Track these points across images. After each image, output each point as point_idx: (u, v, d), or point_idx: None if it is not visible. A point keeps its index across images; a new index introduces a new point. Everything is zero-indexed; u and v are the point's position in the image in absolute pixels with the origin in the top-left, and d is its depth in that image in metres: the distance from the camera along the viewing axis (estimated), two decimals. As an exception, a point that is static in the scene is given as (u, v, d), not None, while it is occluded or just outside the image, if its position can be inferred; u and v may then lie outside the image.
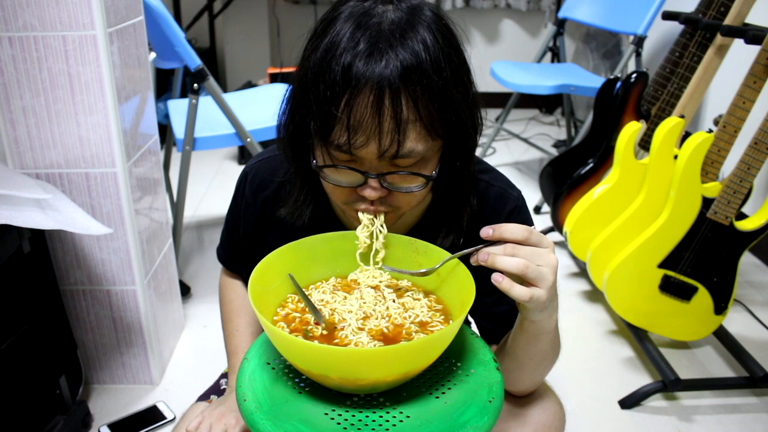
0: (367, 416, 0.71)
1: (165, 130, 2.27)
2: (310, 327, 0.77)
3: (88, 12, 1.30)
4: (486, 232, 0.73)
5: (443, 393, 0.75)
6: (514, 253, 0.71)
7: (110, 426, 1.54)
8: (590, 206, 1.88)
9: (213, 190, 2.94)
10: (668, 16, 2.00)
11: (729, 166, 1.60)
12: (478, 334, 0.86)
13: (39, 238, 1.39)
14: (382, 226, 0.82)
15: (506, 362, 0.86)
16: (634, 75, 1.93)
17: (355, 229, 0.83)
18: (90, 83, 1.36)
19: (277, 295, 0.82)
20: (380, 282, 0.84)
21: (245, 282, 1.09)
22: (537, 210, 2.71)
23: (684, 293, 1.68)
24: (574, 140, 2.77)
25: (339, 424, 0.70)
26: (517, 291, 0.71)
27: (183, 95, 2.46)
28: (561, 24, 2.99)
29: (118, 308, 1.58)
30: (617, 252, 1.74)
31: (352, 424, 0.70)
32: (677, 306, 1.70)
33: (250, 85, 3.44)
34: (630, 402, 1.64)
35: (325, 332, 0.76)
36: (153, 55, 2.14)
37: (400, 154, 0.73)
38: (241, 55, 3.85)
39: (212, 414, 0.90)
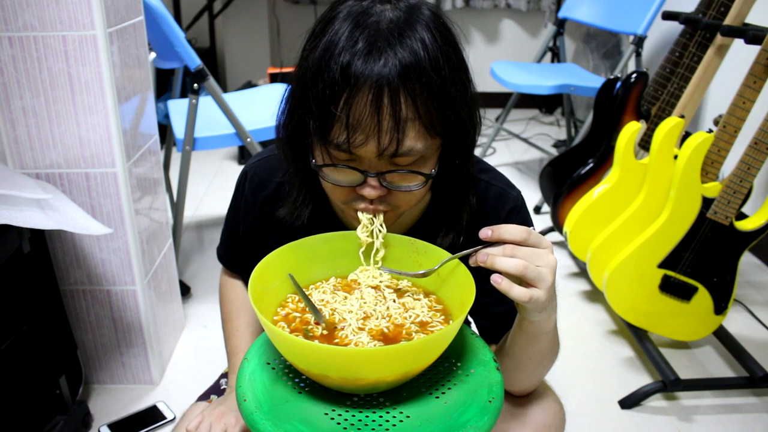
0: (367, 416, 0.71)
1: (165, 130, 2.27)
2: (310, 327, 0.77)
3: (88, 12, 1.30)
4: (485, 233, 0.73)
5: (443, 393, 0.75)
6: (513, 254, 0.71)
7: (110, 426, 1.54)
8: (590, 206, 1.88)
9: (213, 190, 2.94)
10: (668, 16, 2.00)
11: (729, 166, 1.60)
12: (478, 334, 0.86)
13: (39, 238, 1.39)
14: (381, 225, 0.82)
15: (505, 362, 0.86)
16: (634, 75, 1.93)
17: (354, 228, 0.83)
18: (90, 83, 1.36)
19: (278, 295, 0.82)
20: (380, 282, 0.84)
21: (245, 282, 1.09)
22: (537, 210, 2.71)
23: (684, 293, 1.68)
24: (574, 140, 2.77)
25: (339, 424, 0.70)
26: (516, 292, 0.71)
27: (183, 95, 2.46)
28: (561, 24, 2.99)
29: (118, 308, 1.58)
30: (617, 252, 1.74)
31: (352, 424, 0.70)
32: (677, 306, 1.70)
33: (250, 85, 3.44)
34: (630, 402, 1.64)
35: (325, 332, 0.76)
36: (153, 55, 2.14)
37: (399, 153, 0.73)
38: (241, 55, 3.85)
39: (212, 413, 0.90)
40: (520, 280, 0.72)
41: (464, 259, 0.76)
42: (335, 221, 0.93)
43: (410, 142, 0.73)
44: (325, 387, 0.74)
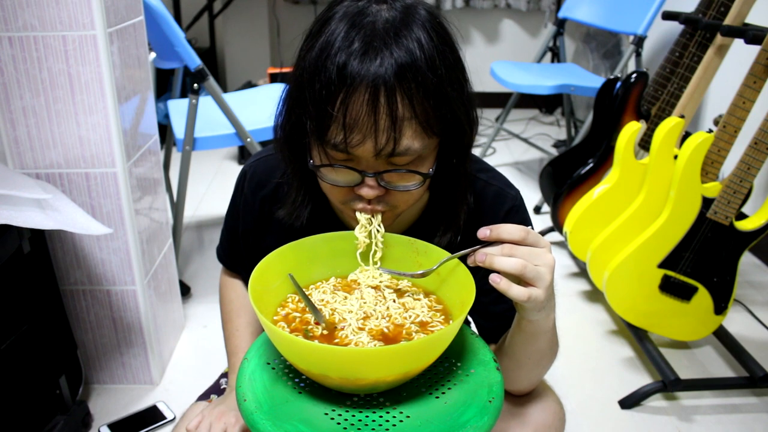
0: (367, 416, 0.71)
1: (165, 130, 2.27)
2: (310, 327, 0.77)
3: (88, 12, 1.30)
4: (483, 232, 0.73)
5: (443, 393, 0.75)
6: (512, 253, 0.71)
7: (110, 426, 1.54)
8: (590, 206, 1.88)
9: (213, 190, 2.94)
10: (668, 16, 2.00)
11: (729, 166, 1.60)
12: (478, 334, 0.86)
13: (39, 238, 1.39)
14: (379, 225, 0.82)
15: (504, 361, 0.86)
16: (634, 75, 1.93)
17: (353, 228, 0.83)
18: (90, 83, 1.36)
19: (278, 295, 0.82)
20: (380, 282, 0.84)
21: (245, 282, 1.09)
22: (537, 210, 2.71)
23: (684, 293, 1.68)
24: (574, 140, 2.77)
25: (339, 424, 0.70)
26: (515, 291, 0.71)
27: (183, 95, 2.46)
28: (561, 24, 2.99)
29: (118, 308, 1.58)
30: (617, 252, 1.74)
31: (352, 424, 0.70)
32: (677, 306, 1.70)
33: (250, 85, 3.44)
34: (630, 402, 1.64)
35: (325, 332, 0.76)
36: (153, 55, 2.14)
37: (396, 152, 0.73)
38: (241, 55, 3.85)
39: (212, 413, 0.90)
40: (519, 280, 0.72)
41: (463, 259, 0.76)
42: (334, 221, 0.93)
43: (407, 142, 0.73)
44: (325, 387, 0.74)
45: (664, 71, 1.91)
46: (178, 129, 1.97)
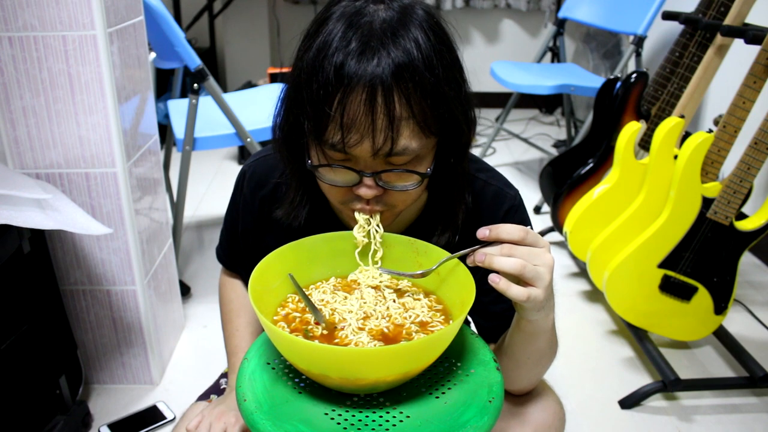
0: (367, 416, 0.71)
1: (165, 130, 2.27)
2: (310, 327, 0.77)
3: (88, 12, 1.30)
4: (482, 232, 0.73)
5: (443, 393, 0.75)
6: (511, 253, 0.71)
7: (110, 426, 1.54)
8: (590, 206, 1.88)
9: (213, 190, 2.94)
10: (668, 16, 2.00)
11: (729, 166, 1.60)
12: (478, 334, 0.86)
13: (39, 238, 1.39)
14: (378, 225, 0.82)
15: (504, 361, 0.86)
16: (634, 75, 1.93)
17: (352, 228, 0.83)
18: (90, 83, 1.36)
19: (278, 295, 0.82)
20: (380, 282, 0.84)
21: (245, 282, 1.09)
22: (537, 210, 2.71)
23: (684, 293, 1.68)
24: (574, 140, 2.77)
25: (339, 424, 0.70)
26: (514, 291, 0.71)
27: (183, 95, 2.46)
28: (561, 24, 2.99)
29: (118, 308, 1.58)
30: (617, 252, 1.74)
31: (352, 424, 0.70)
32: (677, 306, 1.70)
33: (250, 85, 3.44)
34: (630, 402, 1.64)
35: (325, 332, 0.76)
36: (153, 55, 2.14)
37: (394, 152, 0.73)
38: (241, 55, 3.85)
39: (212, 413, 0.90)
40: (518, 280, 0.72)
41: (463, 259, 0.76)
42: (333, 221, 0.93)
43: (405, 141, 0.73)
44: (325, 387, 0.74)
45: (664, 71, 1.91)
46: (178, 129, 1.97)
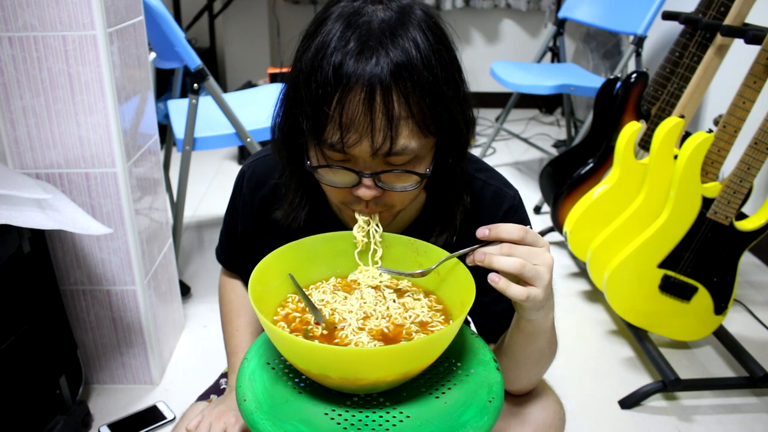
0: (367, 416, 0.71)
1: (165, 130, 2.27)
2: (310, 327, 0.77)
3: (88, 12, 1.30)
4: (482, 232, 0.73)
5: (443, 393, 0.75)
6: (511, 252, 0.71)
7: (110, 426, 1.54)
8: (590, 206, 1.88)
9: (213, 190, 2.94)
10: (668, 16, 2.00)
11: (729, 166, 1.60)
12: (478, 334, 0.86)
13: (39, 238, 1.39)
14: (377, 225, 0.82)
15: (504, 361, 0.86)
16: (634, 75, 1.93)
17: (352, 228, 0.83)
18: (90, 83, 1.36)
19: (278, 295, 0.82)
20: (380, 282, 0.84)
21: (245, 282, 1.09)
22: (537, 210, 2.71)
23: (684, 293, 1.68)
24: (574, 140, 2.77)
25: (339, 424, 0.70)
26: (513, 290, 0.71)
27: (183, 95, 2.46)
28: (561, 24, 2.99)
29: (118, 308, 1.58)
30: (617, 252, 1.74)
31: (352, 424, 0.70)
32: (677, 306, 1.70)
33: (250, 85, 3.44)
34: (630, 402, 1.64)
35: (325, 332, 0.76)
36: (153, 55, 2.14)
37: (393, 152, 0.73)
38: (241, 55, 3.85)
39: (212, 413, 0.90)
40: (518, 279, 0.72)
41: (463, 259, 0.76)
42: (333, 222, 0.93)
43: (404, 141, 0.73)
44: (325, 387, 0.74)
45: (664, 71, 1.91)
46: (178, 129, 1.97)
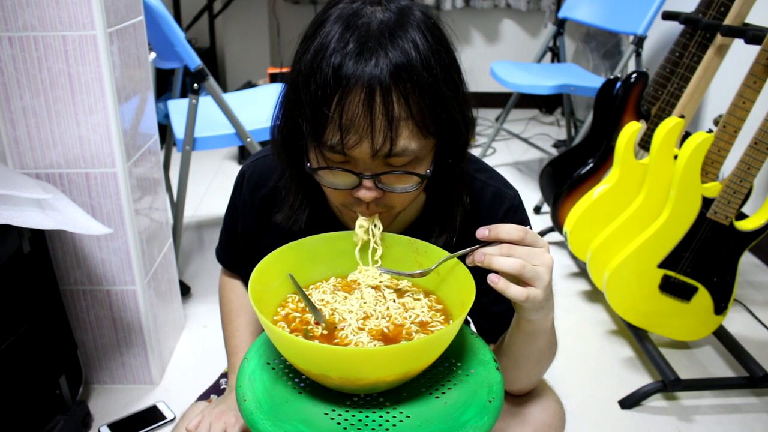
0: (367, 416, 0.71)
1: (165, 130, 2.27)
2: (310, 327, 0.77)
3: (88, 12, 1.30)
4: (482, 232, 0.73)
5: (443, 393, 0.75)
6: (510, 253, 0.71)
7: (110, 426, 1.54)
8: (590, 206, 1.88)
9: (213, 190, 2.94)
10: (668, 16, 2.00)
11: (729, 166, 1.60)
12: (478, 334, 0.86)
13: (39, 238, 1.39)
14: (377, 225, 0.82)
15: (503, 361, 0.86)
16: (634, 75, 1.93)
17: (352, 228, 0.83)
18: (90, 83, 1.36)
19: (278, 295, 0.82)
20: (380, 282, 0.84)
21: (245, 282, 1.09)
22: (537, 210, 2.71)
23: (684, 293, 1.68)
24: (574, 140, 2.77)
25: (339, 424, 0.70)
26: (513, 291, 0.71)
27: (183, 95, 2.46)
28: (561, 24, 2.99)
29: (118, 308, 1.58)
30: (617, 252, 1.74)
31: (352, 424, 0.70)
32: (677, 306, 1.70)
33: (250, 85, 3.44)
34: (630, 402, 1.64)
35: (325, 332, 0.76)
36: (153, 55, 2.14)
37: (393, 153, 0.73)
38: (241, 55, 3.85)
39: (212, 413, 0.90)
40: (518, 280, 0.72)
41: (463, 259, 0.76)
42: (333, 224, 0.93)
43: (404, 142, 0.73)
44: (325, 387, 0.74)
45: (664, 71, 1.91)
46: (178, 129, 1.97)
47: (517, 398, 0.95)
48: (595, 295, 2.11)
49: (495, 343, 0.95)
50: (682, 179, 1.58)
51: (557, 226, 2.14)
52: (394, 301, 0.81)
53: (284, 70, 3.23)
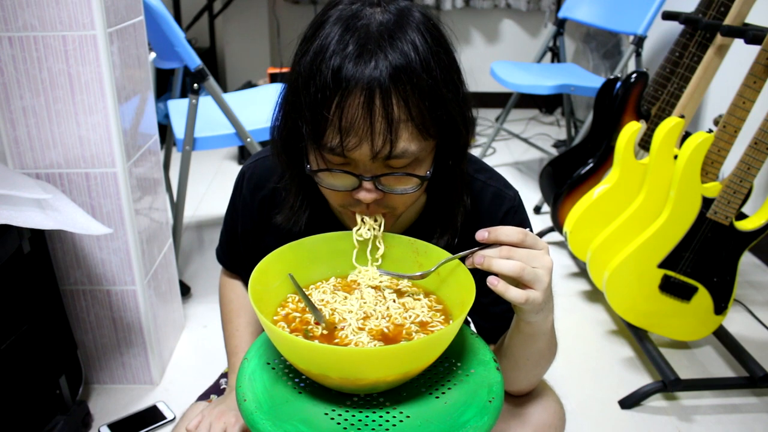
0: (367, 416, 0.71)
1: (165, 130, 2.27)
2: (310, 327, 0.77)
3: (88, 12, 1.30)
4: (481, 234, 0.73)
5: (443, 393, 0.75)
6: (510, 255, 0.71)
7: (110, 426, 1.54)
8: (590, 206, 1.88)
9: (213, 190, 2.94)
10: (668, 16, 2.00)
11: (729, 166, 1.60)
12: (478, 335, 0.86)
13: (39, 238, 1.39)
14: (377, 225, 0.82)
15: (503, 362, 0.86)
16: (634, 75, 1.93)
17: (352, 229, 0.83)
18: (90, 83, 1.36)
19: (278, 295, 0.82)
20: (381, 282, 0.84)
21: (245, 282, 1.09)
22: (537, 210, 2.71)
23: (684, 293, 1.68)
24: (574, 140, 2.77)
25: (339, 424, 0.70)
26: (512, 293, 0.71)
27: (183, 95, 2.46)
28: (561, 24, 2.99)
29: (118, 308, 1.58)
30: (617, 252, 1.74)
31: (352, 424, 0.70)
32: (677, 306, 1.70)
33: (250, 85, 3.44)
34: (630, 402, 1.64)
35: (325, 332, 0.76)
36: (153, 55, 2.14)
37: (393, 155, 0.73)
38: (241, 55, 3.85)
39: (212, 413, 0.90)
40: (517, 282, 0.72)
41: (463, 260, 0.76)
42: (333, 226, 0.92)
43: (404, 144, 0.73)
44: (325, 387, 0.74)
45: (664, 71, 1.91)
46: (178, 129, 1.97)
47: (517, 398, 0.95)
48: (595, 295, 2.11)
49: (495, 344, 0.95)
50: (682, 179, 1.58)
51: (557, 226, 2.14)
52: (394, 301, 0.81)
53: (284, 70, 3.23)
